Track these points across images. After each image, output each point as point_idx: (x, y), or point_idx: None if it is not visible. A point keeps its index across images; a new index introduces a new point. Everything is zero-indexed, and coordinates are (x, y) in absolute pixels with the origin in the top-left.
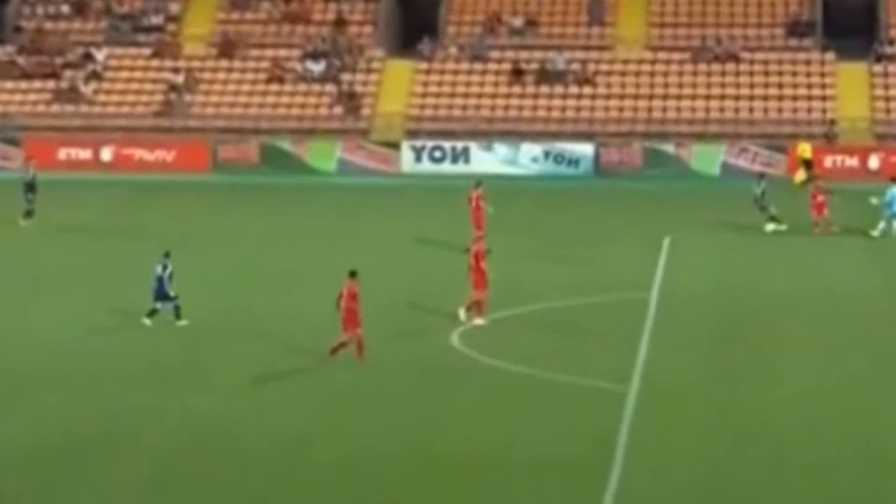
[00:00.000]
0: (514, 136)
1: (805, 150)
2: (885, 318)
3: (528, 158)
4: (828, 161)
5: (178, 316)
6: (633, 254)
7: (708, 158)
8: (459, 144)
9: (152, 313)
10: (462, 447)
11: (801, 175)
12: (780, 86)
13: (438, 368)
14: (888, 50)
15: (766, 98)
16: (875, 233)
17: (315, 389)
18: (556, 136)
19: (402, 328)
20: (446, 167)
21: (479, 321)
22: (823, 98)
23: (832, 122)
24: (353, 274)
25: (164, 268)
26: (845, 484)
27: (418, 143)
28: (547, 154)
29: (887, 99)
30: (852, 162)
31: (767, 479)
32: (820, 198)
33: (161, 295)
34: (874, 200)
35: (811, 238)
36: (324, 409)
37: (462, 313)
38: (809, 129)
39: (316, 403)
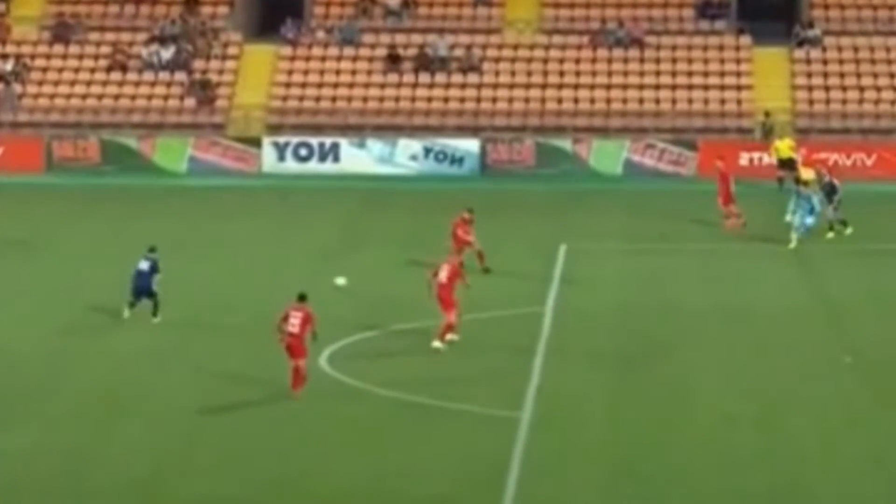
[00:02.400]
0: (390, 131)
1: (780, 148)
2: (807, 335)
3: (405, 156)
4: (743, 158)
5: (154, 313)
6: (524, 264)
7: (609, 156)
8: (328, 141)
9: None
10: (336, 483)
11: (808, 174)
12: (690, 74)
13: (307, 395)
14: (810, 33)
15: (674, 88)
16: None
17: (164, 422)
18: (438, 131)
19: (267, 349)
20: (313, 166)
21: (437, 343)
22: (739, 87)
23: (767, 114)
24: (302, 298)
25: (152, 264)
26: None
27: (281, 140)
28: (427, 151)
29: (810, 88)
30: (771, 159)
31: None
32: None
33: (143, 291)
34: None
35: (725, 247)
36: (175, 443)
37: (437, 343)
38: (723, 123)
39: (165, 438)
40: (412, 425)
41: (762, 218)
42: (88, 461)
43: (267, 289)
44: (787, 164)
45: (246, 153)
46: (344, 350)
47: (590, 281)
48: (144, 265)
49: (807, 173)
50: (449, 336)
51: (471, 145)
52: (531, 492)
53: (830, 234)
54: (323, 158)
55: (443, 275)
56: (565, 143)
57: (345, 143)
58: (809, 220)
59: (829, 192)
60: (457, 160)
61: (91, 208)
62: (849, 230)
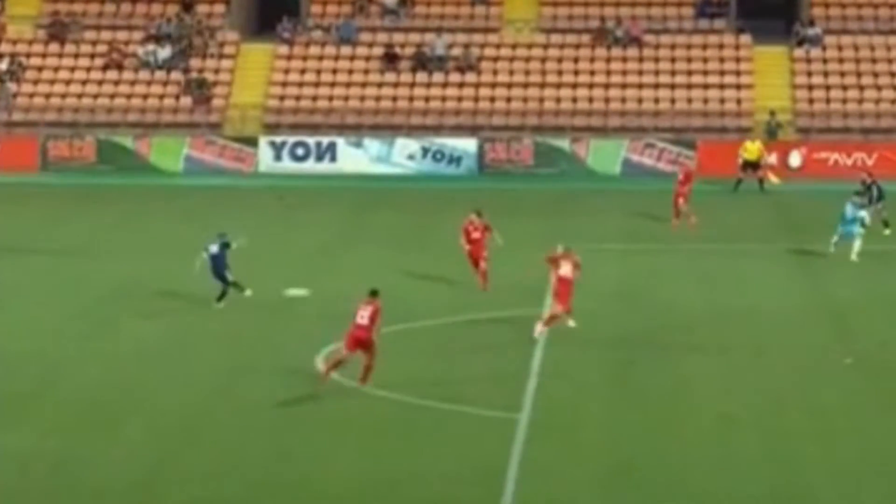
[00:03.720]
0: (388, 130)
1: (749, 150)
2: (807, 336)
3: (403, 156)
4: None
5: (219, 299)
6: (522, 265)
7: (607, 155)
8: (325, 140)
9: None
10: (334, 484)
11: (773, 179)
12: (690, 73)
13: (304, 395)
14: (811, 32)
15: (673, 87)
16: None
17: (162, 423)
18: (436, 130)
19: (264, 347)
20: (310, 166)
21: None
22: (738, 87)
23: (772, 113)
24: (374, 293)
25: (222, 248)
26: None
27: (278, 139)
28: (425, 151)
29: (810, 87)
30: (770, 159)
31: None
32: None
33: (218, 275)
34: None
35: (725, 248)
36: (172, 443)
37: (538, 328)
38: (722, 122)
39: (163, 440)
40: (409, 427)
41: (761, 218)
42: (85, 463)
43: (263, 289)
44: (752, 166)
45: (242, 152)
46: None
47: (589, 281)
48: (214, 248)
49: (774, 178)
50: (551, 325)
51: (468, 145)
52: (529, 494)
53: (887, 231)
54: (320, 158)
55: (566, 269)
56: (563, 143)
57: (342, 143)
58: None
59: (879, 195)
60: (454, 160)
61: (87, 208)
62: (887, 232)
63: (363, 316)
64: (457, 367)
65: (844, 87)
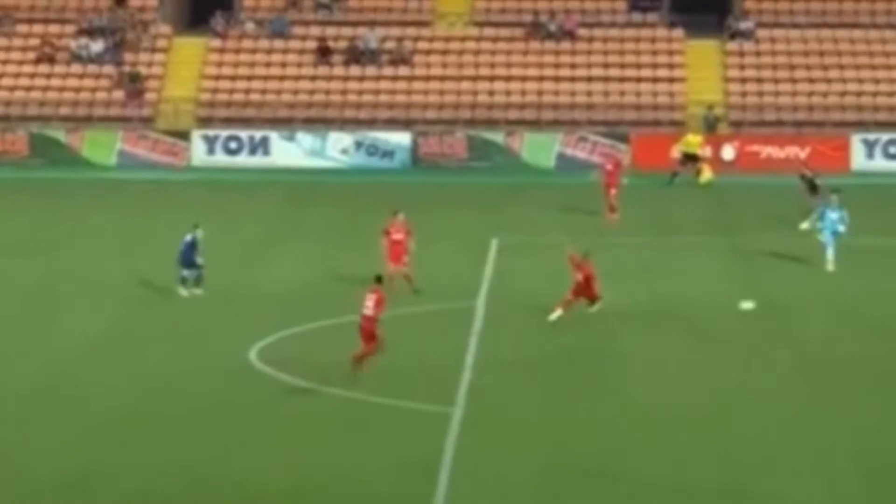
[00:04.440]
0: (321, 124)
1: (691, 143)
2: (744, 329)
3: (336, 149)
4: (675, 151)
5: (197, 283)
6: (455, 258)
7: (541, 149)
8: (258, 134)
9: (183, 281)
10: (267, 479)
11: (707, 175)
12: (623, 67)
13: (238, 391)
14: (743, 25)
15: (606, 80)
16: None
17: (99, 419)
18: (369, 124)
19: (201, 343)
20: (243, 159)
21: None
22: (671, 80)
23: (710, 106)
24: (378, 279)
25: (194, 237)
26: None
27: (211, 133)
28: (358, 144)
29: (743, 81)
30: (703, 153)
31: None
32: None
33: (186, 262)
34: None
35: (660, 241)
36: (110, 438)
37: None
38: (655, 116)
39: (99, 435)
40: (345, 421)
41: (696, 211)
42: (21, 457)
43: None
44: (691, 159)
45: (175, 146)
46: (274, 345)
47: (523, 274)
48: (189, 238)
49: (707, 174)
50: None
51: (402, 138)
52: (464, 487)
53: (807, 225)
54: (253, 151)
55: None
56: (497, 137)
57: (275, 137)
58: (841, 228)
59: (812, 186)
60: (388, 153)
61: (20, 202)
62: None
63: (368, 306)
64: (391, 362)
65: (777, 81)
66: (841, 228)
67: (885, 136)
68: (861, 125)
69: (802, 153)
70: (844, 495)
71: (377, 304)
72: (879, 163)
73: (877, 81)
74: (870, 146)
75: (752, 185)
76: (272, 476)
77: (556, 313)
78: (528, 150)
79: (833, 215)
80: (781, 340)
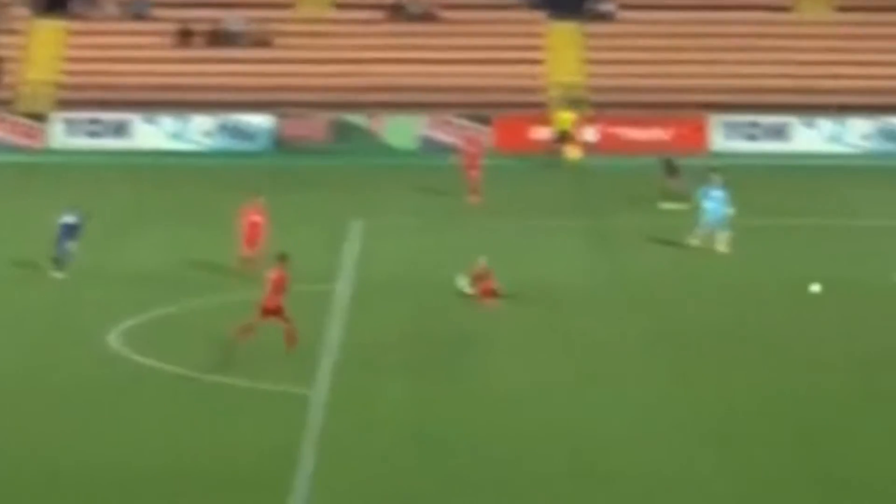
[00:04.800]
0: (183, 106)
1: (565, 120)
2: (607, 309)
3: (198, 132)
4: (536, 133)
5: (61, 266)
6: (316, 241)
7: (404, 131)
8: (119, 116)
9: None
10: (126, 464)
11: (574, 152)
12: (485, 49)
13: (95, 373)
14: (603, 8)
15: (468, 62)
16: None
17: None
18: (232, 106)
19: (59, 327)
20: (104, 142)
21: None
22: (532, 62)
23: (569, 88)
24: (281, 258)
25: (73, 220)
26: (548, 497)
27: (71, 116)
28: (220, 127)
29: (604, 63)
30: (574, 130)
31: (464, 493)
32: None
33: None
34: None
35: (524, 224)
36: None
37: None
38: (519, 98)
39: None
40: (205, 404)
41: (559, 193)
42: None
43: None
44: (563, 138)
45: (32, 129)
46: (134, 328)
47: (385, 257)
48: (70, 218)
49: (574, 151)
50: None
51: (264, 121)
52: (326, 468)
53: (669, 205)
54: (114, 134)
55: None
56: (360, 119)
57: (136, 119)
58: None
59: (670, 168)
60: (250, 136)
61: None
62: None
63: (270, 283)
64: (252, 344)
65: (638, 63)
66: (728, 210)
67: (743, 118)
68: (719, 107)
69: (663, 135)
70: (700, 471)
71: (277, 282)
72: (738, 144)
73: (734, 63)
74: (728, 128)
75: (613, 166)
76: (132, 460)
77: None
78: (391, 133)
79: (716, 193)
80: (642, 320)
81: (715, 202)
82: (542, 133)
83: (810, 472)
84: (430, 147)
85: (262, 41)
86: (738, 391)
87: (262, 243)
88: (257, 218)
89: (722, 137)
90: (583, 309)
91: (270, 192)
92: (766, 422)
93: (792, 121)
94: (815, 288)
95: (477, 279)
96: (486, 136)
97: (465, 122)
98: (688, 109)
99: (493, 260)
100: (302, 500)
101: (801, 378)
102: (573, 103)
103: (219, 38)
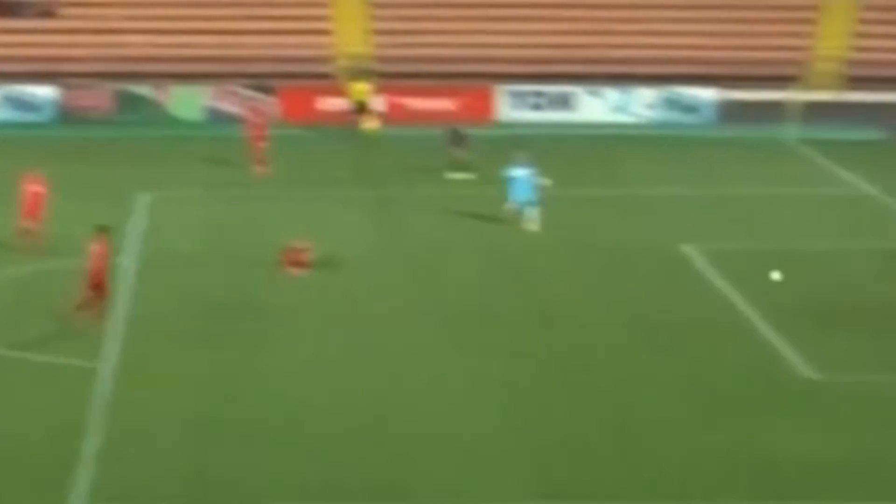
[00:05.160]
0: None
1: (360, 90)
2: (388, 284)
3: None
4: (323, 103)
5: None
6: (101, 214)
7: (189, 102)
8: None
9: None
10: None
11: (371, 122)
12: (271, 19)
13: None
14: None
15: (254, 33)
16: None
17: None
18: (14, 77)
19: None
20: None
21: None
22: (318, 32)
23: (354, 58)
24: (100, 229)
25: None
26: (336, 461)
27: None
28: (4, 98)
29: (390, 33)
30: (370, 100)
31: (251, 463)
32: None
33: None
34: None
35: (311, 193)
36: None
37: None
38: (305, 68)
39: None
40: None
41: (346, 163)
42: None
43: None
44: (360, 108)
45: None
46: None
47: (173, 229)
48: None
49: (371, 122)
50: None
51: (48, 92)
52: (114, 441)
53: (455, 175)
54: None
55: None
56: (145, 90)
57: None
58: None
59: (455, 137)
60: (34, 107)
61: None
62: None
63: (93, 256)
64: (37, 317)
65: (423, 33)
66: (534, 181)
67: (528, 87)
68: (505, 77)
69: (449, 105)
70: (489, 441)
71: (99, 254)
72: (523, 114)
73: (519, 34)
74: (514, 97)
75: (400, 136)
76: None
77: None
78: (176, 104)
79: (521, 172)
80: (430, 291)
81: (520, 181)
82: (336, 104)
83: (598, 426)
84: (216, 118)
85: (47, 11)
86: (522, 356)
87: (42, 215)
88: (38, 189)
89: (508, 107)
90: (368, 279)
91: (55, 164)
92: (549, 382)
93: (577, 90)
94: (776, 276)
95: (292, 251)
96: (272, 106)
97: (250, 93)
98: (474, 79)
99: (281, 231)
100: (89, 474)
101: (586, 341)
102: (363, 73)
103: (2, 8)
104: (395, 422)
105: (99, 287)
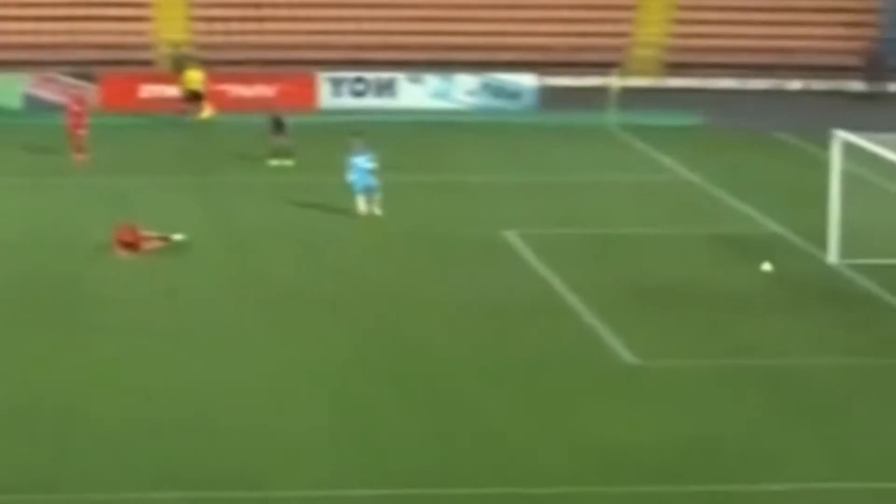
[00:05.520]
0: None
1: (193, 79)
2: (208, 267)
3: None
4: (145, 91)
5: None
6: None
7: (7, 90)
8: None
9: None
10: None
11: (206, 112)
12: (90, 5)
13: None
14: None
15: (73, 19)
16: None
17: None
18: None
19: None
20: None
21: None
22: (139, 19)
23: (177, 45)
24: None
25: None
26: (157, 451)
27: None
28: None
29: (211, 20)
30: (173, 92)
31: (69, 451)
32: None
33: None
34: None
35: (134, 180)
36: None
37: None
38: (123, 55)
39: None
40: None
41: (170, 151)
42: None
43: None
44: (193, 97)
45: None
46: None
47: None
48: None
49: (207, 110)
50: None
51: None
52: None
53: (275, 162)
54: None
55: None
56: None
57: None
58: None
59: (276, 125)
60: None
61: None
62: (290, 162)
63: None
64: None
65: (247, 20)
66: (370, 166)
67: (350, 74)
68: (327, 63)
69: (270, 91)
70: (316, 429)
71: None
72: (345, 100)
73: (340, 20)
74: (336, 84)
75: (222, 124)
76: None
77: None
78: None
79: (359, 160)
80: (251, 278)
81: (360, 169)
82: (157, 91)
83: (425, 412)
84: (35, 105)
85: None
86: (347, 342)
87: None
88: None
89: (329, 94)
90: (192, 265)
91: None
92: (374, 368)
93: (398, 77)
94: (767, 267)
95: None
96: (93, 93)
97: (70, 80)
98: (296, 66)
99: (101, 217)
100: None
101: (409, 327)
102: (193, 62)
103: None
104: (215, 407)
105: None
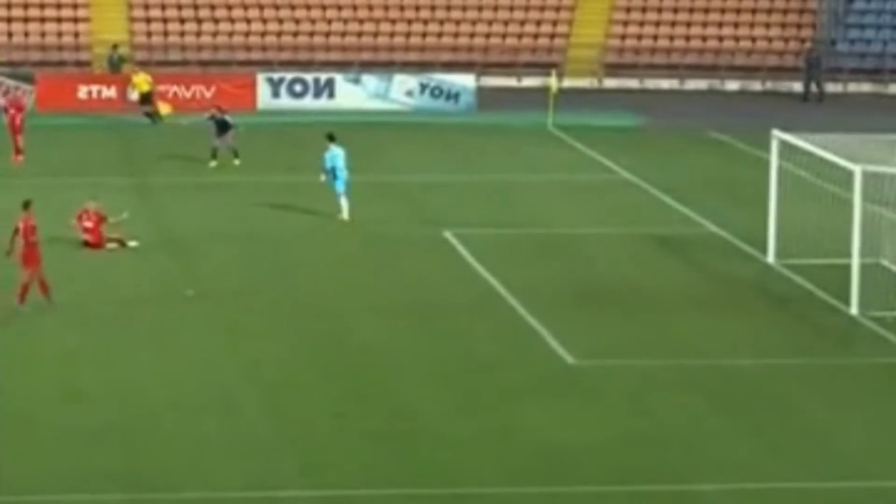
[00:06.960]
0: None
1: (143, 81)
2: (144, 268)
3: None
4: (82, 91)
5: None
6: None
7: None
8: None
9: None
10: None
11: (165, 108)
12: (28, 6)
13: None
14: None
15: (11, 20)
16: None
17: None
18: None
19: None
20: None
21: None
22: (76, 20)
23: (115, 46)
24: (27, 205)
25: None
26: (83, 454)
27: None
28: None
29: (147, 20)
30: (110, 93)
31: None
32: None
33: None
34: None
35: (66, 180)
36: None
37: None
38: (60, 56)
39: None
40: None
41: (108, 152)
42: None
43: None
44: (145, 99)
45: None
46: None
47: None
48: None
49: (164, 108)
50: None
51: None
52: None
53: (214, 164)
54: None
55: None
56: None
57: None
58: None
59: (217, 126)
60: None
61: None
62: (237, 161)
63: (21, 233)
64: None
65: (185, 21)
66: (341, 170)
67: (289, 75)
68: (265, 64)
69: (209, 92)
70: (255, 429)
71: (25, 231)
72: (284, 101)
73: (279, 21)
74: (275, 85)
75: (163, 124)
76: None
77: None
78: None
79: (336, 162)
80: (187, 278)
81: (338, 171)
82: (93, 91)
83: (364, 411)
84: None
85: None
86: (284, 341)
87: None
88: None
89: (268, 95)
90: (130, 266)
91: None
92: (311, 367)
93: (336, 77)
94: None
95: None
96: (30, 94)
97: (8, 81)
98: (235, 67)
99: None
100: None
101: (349, 325)
102: (113, 63)
103: None
104: (155, 409)
105: (35, 263)
